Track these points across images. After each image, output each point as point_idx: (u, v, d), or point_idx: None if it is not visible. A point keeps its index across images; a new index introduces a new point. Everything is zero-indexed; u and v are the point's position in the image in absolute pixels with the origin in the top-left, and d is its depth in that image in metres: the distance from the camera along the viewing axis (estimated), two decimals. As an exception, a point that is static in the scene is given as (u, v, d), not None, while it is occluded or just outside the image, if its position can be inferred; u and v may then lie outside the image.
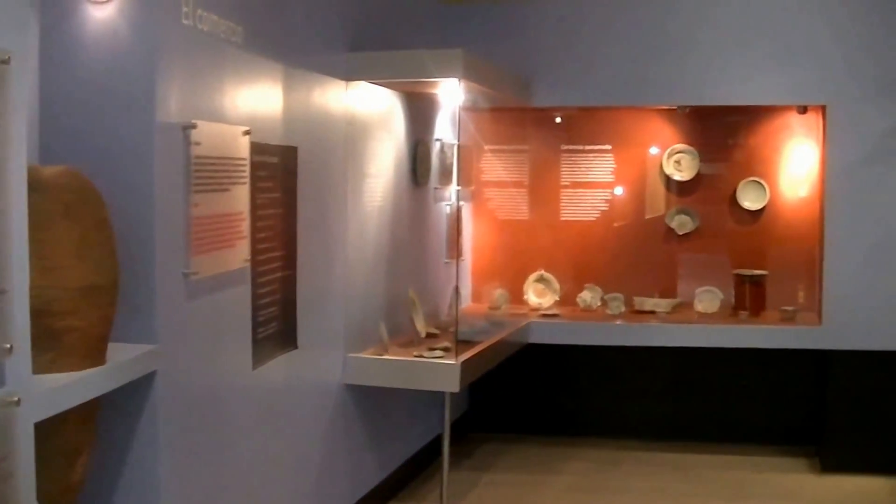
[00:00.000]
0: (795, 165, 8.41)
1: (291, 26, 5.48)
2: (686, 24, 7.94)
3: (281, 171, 5.41)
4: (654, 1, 8.00)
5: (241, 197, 4.81)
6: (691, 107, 8.36)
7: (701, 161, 8.51)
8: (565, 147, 8.76)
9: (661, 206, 8.65)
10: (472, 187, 8.60)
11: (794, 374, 8.52)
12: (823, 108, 7.89)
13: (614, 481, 7.84)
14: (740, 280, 8.29)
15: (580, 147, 8.72)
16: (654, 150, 8.65)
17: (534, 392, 8.93)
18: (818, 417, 8.24)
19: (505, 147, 8.83)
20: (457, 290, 7.21)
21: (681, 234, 8.53)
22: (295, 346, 5.62)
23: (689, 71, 7.92)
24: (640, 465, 8.21)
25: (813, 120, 8.25)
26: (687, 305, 8.42)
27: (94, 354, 3.64)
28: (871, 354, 7.77)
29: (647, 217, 8.69)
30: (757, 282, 8.24)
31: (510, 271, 8.63)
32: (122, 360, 3.81)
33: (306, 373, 5.83)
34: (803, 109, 8.25)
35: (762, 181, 8.37)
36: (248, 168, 4.85)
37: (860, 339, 7.73)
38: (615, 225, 8.74)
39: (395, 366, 6.41)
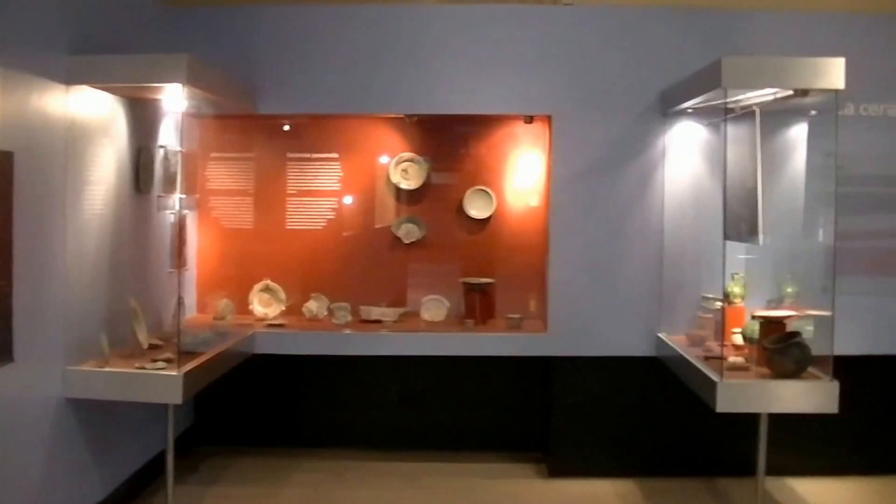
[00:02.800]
0: (522, 174, 8.73)
1: (7, 27, 5.40)
2: (413, 34, 8.12)
3: (-5, 177, 5.30)
4: (381, 10, 8.14)
5: (-47, 204, 4.70)
6: (419, 116, 8.52)
7: (429, 170, 8.70)
8: (291, 155, 8.80)
9: (389, 215, 8.81)
10: (197, 195, 8.56)
11: (522, 381, 8.87)
12: (549, 119, 8.19)
13: (342, 492, 7.97)
14: (467, 288, 8.55)
15: (307, 155, 8.78)
16: (384, 159, 8.78)
17: (261, 404, 8.99)
18: (545, 423, 8.53)
19: (231, 155, 8.82)
20: (180, 299, 7.20)
21: (408, 242, 8.72)
22: (11, 360, 5.54)
23: (415, 80, 8.09)
24: (369, 474, 8.37)
25: (539, 130, 8.59)
26: (414, 314, 8.63)
27: None
28: (592, 360, 8.19)
29: (376, 226, 8.82)
30: (483, 290, 8.51)
31: (236, 281, 8.64)
32: None
33: (24, 387, 5.75)
34: (530, 119, 8.56)
35: (489, 190, 8.63)
36: (-39, 174, 4.75)
37: (582, 345, 8.16)
38: (343, 234, 8.83)
39: (116, 378, 6.36)
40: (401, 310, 8.56)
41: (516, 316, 8.36)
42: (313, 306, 8.54)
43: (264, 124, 8.70)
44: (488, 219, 8.70)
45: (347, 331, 8.27)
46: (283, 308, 8.62)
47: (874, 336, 8.10)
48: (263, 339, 8.14)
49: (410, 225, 8.72)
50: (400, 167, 8.67)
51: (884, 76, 8.07)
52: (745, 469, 7.41)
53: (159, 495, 7.45)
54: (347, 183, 8.81)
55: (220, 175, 8.79)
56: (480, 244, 8.77)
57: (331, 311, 8.51)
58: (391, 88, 8.09)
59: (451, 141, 8.81)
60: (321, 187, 8.79)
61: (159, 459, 7.55)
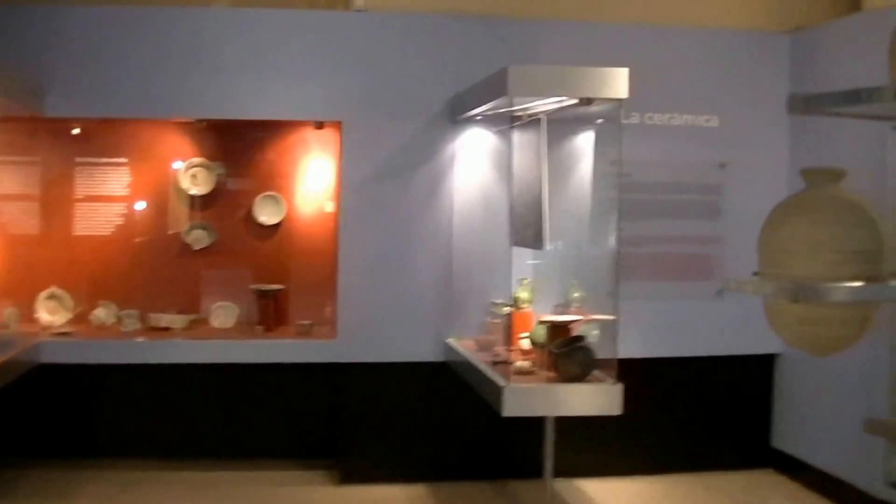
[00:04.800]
0: (312, 180, 8.85)
1: None
2: (204, 37, 8.12)
3: None
4: (171, 12, 8.12)
5: None
6: (209, 120, 8.53)
7: (218, 175, 8.73)
8: (79, 159, 8.70)
9: (179, 221, 8.78)
10: (-20, 200, 8.41)
11: (312, 388, 8.97)
12: (339, 125, 8.29)
13: (134, 503, 7.90)
14: (258, 295, 8.60)
15: (95, 160, 8.69)
16: (177, 165, 8.75)
17: (50, 414, 8.85)
18: (336, 430, 8.61)
19: (16, 158, 8.61)
20: (-38, 309, 7.09)
21: (197, 248, 8.72)
22: None
23: (205, 83, 8.09)
24: (160, 484, 8.36)
25: (330, 136, 8.67)
26: (204, 321, 8.66)
27: None
28: (382, 366, 8.33)
29: (166, 232, 8.79)
30: (274, 296, 8.58)
31: (21, 288, 8.45)
32: None
33: None
34: (320, 125, 8.63)
35: (279, 196, 8.68)
36: None
37: (371, 351, 8.31)
38: (135, 240, 8.76)
39: None
40: (190, 317, 8.58)
41: (306, 322, 8.46)
42: (101, 314, 8.47)
43: (52, 127, 8.52)
44: (278, 225, 8.78)
45: (138, 339, 8.24)
46: (71, 316, 8.49)
47: (657, 339, 8.45)
48: (50, 348, 8.02)
49: (200, 231, 8.72)
50: (189, 172, 8.67)
51: (668, 86, 8.41)
52: (535, 471, 7.62)
53: (-61, 512, 7.35)
54: (137, 188, 8.76)
55: (5, 179, 8.61)
56: (271, 250, 8.85)
57: (119, 319, 8.45)
58: (180, 92, 8.07)
59: (241, 146, 8.84)
60: (110, 192, 8.71)
61: (-61, 474, 7.44)
